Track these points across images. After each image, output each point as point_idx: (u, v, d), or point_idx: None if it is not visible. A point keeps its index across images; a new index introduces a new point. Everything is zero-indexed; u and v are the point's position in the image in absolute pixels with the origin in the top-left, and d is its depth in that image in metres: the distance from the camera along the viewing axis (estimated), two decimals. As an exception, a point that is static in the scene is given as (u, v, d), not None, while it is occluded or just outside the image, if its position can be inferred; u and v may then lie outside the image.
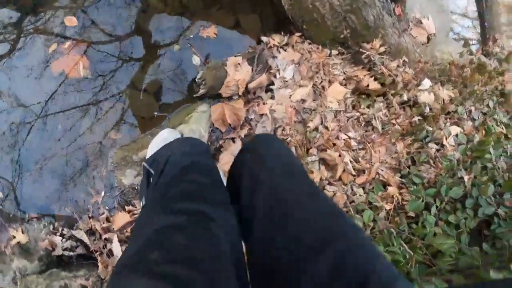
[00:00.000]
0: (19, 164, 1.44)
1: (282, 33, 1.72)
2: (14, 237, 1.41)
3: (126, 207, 1.39)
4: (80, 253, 1.35)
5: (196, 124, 1.33)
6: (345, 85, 1.64)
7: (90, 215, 1.40)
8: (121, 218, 1.35)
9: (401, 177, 1.45)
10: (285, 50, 1.65)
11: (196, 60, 1.59)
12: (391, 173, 1.46)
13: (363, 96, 1.64)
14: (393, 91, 1.61)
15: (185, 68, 1.59)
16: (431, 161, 1.45)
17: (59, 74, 1.51)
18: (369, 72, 1.68)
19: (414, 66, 1.68)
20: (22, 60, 1.54)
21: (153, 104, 1.53)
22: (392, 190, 1.42)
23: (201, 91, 1.45)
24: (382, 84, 1.66)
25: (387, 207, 1.38)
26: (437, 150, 1.48)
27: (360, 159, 1.47)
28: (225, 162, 1.44)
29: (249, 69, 1.53)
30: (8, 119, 1.48)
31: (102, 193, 1.41)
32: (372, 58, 1.62)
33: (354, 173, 1.47)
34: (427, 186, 1.41)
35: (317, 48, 1.67)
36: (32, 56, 1.54)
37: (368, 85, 1.65)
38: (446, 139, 1.48)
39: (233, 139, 1.51)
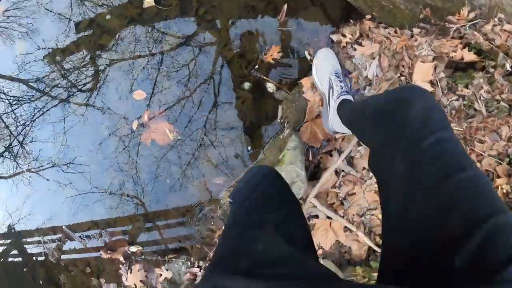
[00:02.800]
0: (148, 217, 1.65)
1: (352, 21, 1.56)
2: (161, 274, 1.68)
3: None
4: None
5: (292, 165, 1.35)
6: (435, 66, 1.48)
7: (219, 246, 1.61)
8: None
9: (509, 163, 1.35)
10: (360, 44, 1.51)
11: (271, 87, 1.54)
12: (499, 160, 1.37)
13: (459, 73, 1.48)
14: (493, 63, 1.42)
15: (263, 100, 1.56)
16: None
17: (150, 144, 1.61)
18: (460, 41, 1.48)
19: (514, 22, 1.44)
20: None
21: (246, 142, 1.57)
22: (500, 181, 1.34)
23: (287, 132, 1.43)
24: (478, 54, 1.46)
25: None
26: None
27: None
28: (323, 183, 1.47)
29: (328, 84, 1.45)
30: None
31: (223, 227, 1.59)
32: (463, 31, 1.42)
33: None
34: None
35: (395, 31, 1.50)
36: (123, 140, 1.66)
37: (462, 58, 1.47)
38: None
39: (330, 153, 1.51)
